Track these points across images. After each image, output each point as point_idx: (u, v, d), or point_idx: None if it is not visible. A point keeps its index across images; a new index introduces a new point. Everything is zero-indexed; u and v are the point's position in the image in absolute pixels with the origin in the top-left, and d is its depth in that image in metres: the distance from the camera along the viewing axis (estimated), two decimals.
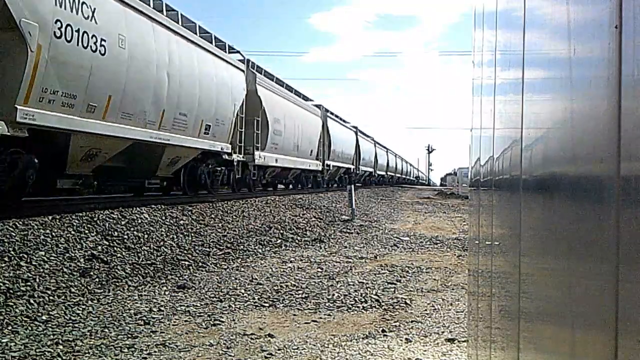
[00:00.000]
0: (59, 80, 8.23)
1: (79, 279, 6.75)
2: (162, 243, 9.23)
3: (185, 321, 5.53)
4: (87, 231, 8.37)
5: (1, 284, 5.87)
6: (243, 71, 16.74)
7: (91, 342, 4.72)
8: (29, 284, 6.10)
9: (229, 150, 15.74)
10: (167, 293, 6.77)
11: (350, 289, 7.27)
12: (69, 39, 8.27)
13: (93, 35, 8.84)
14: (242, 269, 8.63)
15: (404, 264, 9.44)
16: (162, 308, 5.99)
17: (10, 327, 5.01)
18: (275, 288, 7.23)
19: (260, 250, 10.55)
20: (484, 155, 3.28)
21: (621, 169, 0.67)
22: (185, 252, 9.21)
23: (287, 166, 21.57)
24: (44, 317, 5.39)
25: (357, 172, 38.07)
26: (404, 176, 72.24)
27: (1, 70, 7.52)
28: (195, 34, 13.64)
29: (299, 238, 12.44)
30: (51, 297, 5.99)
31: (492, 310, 2.51)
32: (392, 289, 7.37)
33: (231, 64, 15.76)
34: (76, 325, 5.22)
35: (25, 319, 5.30)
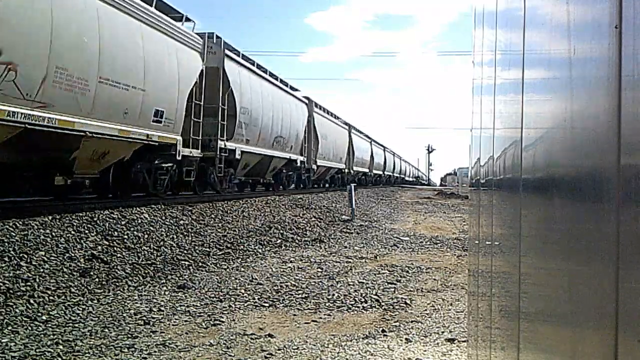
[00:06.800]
0: (241, 129, 16.83)
1: (79, 279, 6.75)
2: (162, 243, 9.23)
3: (185, 321, 5.53)
4: (87, 231, 8.38)
5: (1, 284, 5.87)
6: (307, 104, 25.60)
7: (91, 342, 4.72)
8: (29, 284, 6.10)
9: (300, 159, 24.13)
10: (167, 293, 6.77)
11: (350, 289, 7.27)
12: (243, 112, 16.77)
13: (250, 107, 17.48)
14: (242, 269, 8.64)
15: (404, 264, 9.44)
16: (162, 308, 5.99)
17: (10, 327, 5.02)
18: (275, 288, 7.23)
19: (260, 250, 10.55)
20: (484, 155, 3.29)
21: (621, 169, 0.67)
22: (185, 252, 9.21)
23: (329, 166, 30.89)
24: (44, 317, 5.39)
25: (371, 174, 45.96)
26: (406, 177, 75.07)
27: (229, 126, 15.89)
28: (286, 85, 22.26)
29: (299, 238, 12.44)
30: (51, 297, 5.99)
31: (492, 310, 2.52)
32: (392, 289, 7.37)
33: (301, 100, 24.90)
34: (76, 325, 5.22)
35: (25, 319, 5.30)
